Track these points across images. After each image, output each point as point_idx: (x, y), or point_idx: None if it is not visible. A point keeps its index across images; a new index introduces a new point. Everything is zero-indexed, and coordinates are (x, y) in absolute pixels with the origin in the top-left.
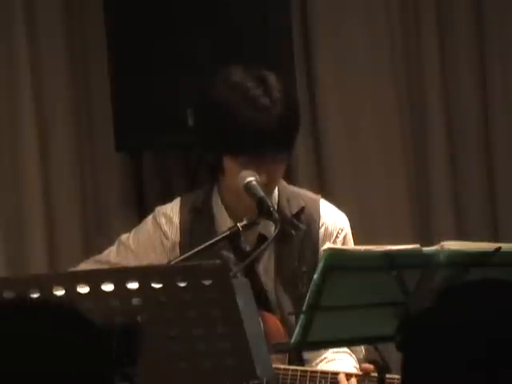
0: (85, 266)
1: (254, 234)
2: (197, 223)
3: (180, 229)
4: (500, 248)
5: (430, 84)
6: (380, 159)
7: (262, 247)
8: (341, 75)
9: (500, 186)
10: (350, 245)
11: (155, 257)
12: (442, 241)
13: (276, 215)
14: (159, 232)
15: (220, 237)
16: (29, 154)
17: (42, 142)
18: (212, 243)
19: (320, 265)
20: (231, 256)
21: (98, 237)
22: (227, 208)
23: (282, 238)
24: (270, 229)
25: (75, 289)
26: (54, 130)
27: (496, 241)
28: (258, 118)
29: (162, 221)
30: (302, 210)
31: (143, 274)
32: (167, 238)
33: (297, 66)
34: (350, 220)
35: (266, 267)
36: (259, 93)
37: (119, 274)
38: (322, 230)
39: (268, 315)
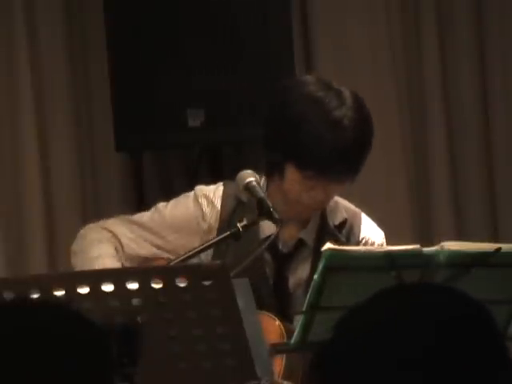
0: (113, 222)
1: (293, 238)
2: (238, 215)
3: (220, 215)
4: (500, 248)
5: (430, 84)
6: (380, 159)
7: (262, 247)
8: (341, 75)
9: (500, 186)
10: None
11: (187, 235)
12: (442, 241)
13: (276, 215)
14: (199, 212)
15: (220, 237)
16: (29, 154)
17: (42, 142)
18: (212, 243)
19: (320, 265)
20: (268, 257)
21: None
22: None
23: (321, 247)
24: (311, 235)
25: (75, 289)
26: (53, 130)
27: (496, 241)
28: (335, 138)
29: (204, 202)
30: (344, 222)
31: (143, 274)
32: (205, 220)
33: (297, 65)
34: None
35: (301, 273)
36: (340, 114)
37: (119, 274)
38: (361, 245)
39: (268, 317)
